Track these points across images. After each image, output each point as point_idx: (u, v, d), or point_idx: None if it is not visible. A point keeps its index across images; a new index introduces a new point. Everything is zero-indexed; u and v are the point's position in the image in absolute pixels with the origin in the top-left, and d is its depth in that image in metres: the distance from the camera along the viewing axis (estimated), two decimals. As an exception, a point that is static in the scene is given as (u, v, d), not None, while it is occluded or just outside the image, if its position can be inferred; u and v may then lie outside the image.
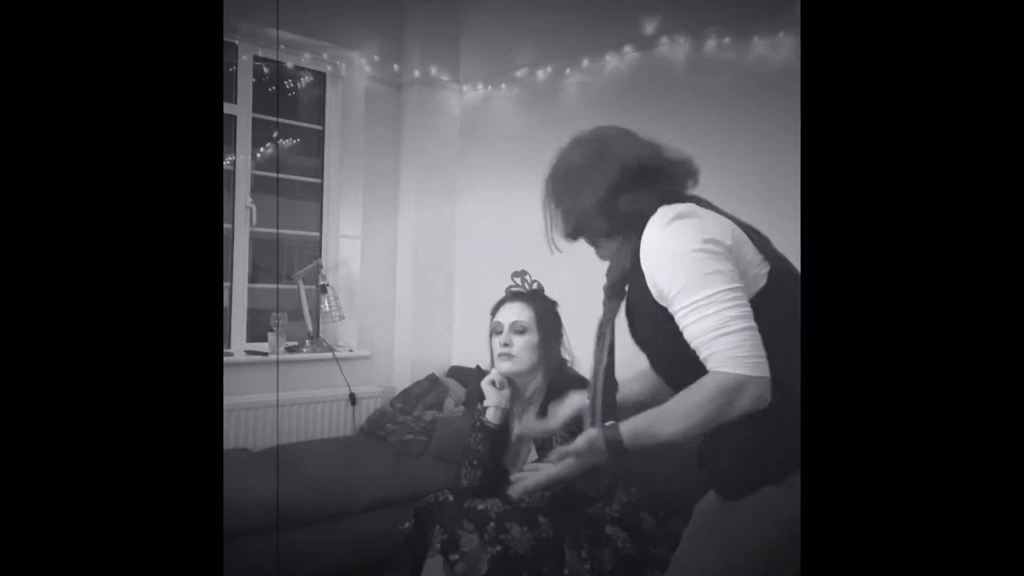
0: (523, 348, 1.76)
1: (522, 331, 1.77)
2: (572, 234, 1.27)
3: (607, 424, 1.12)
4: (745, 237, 1.14)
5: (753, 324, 1.04)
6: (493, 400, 1.79)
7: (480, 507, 1.62)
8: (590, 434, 1.13)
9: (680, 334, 1.08)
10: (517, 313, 1.78)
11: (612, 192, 1.20)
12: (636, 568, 1.60)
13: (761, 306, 1.07)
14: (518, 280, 1.86)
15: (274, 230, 3.42)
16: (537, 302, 1.82)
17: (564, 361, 1.82)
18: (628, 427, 1.10)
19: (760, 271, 1.12)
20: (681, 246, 1.08)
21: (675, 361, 1.16)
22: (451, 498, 1.68)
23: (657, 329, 1.16)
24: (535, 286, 1.86)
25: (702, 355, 1.05)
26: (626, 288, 1.23)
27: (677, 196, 1.19)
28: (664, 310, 1.11)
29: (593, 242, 1.29)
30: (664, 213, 1.12)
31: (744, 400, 1.01)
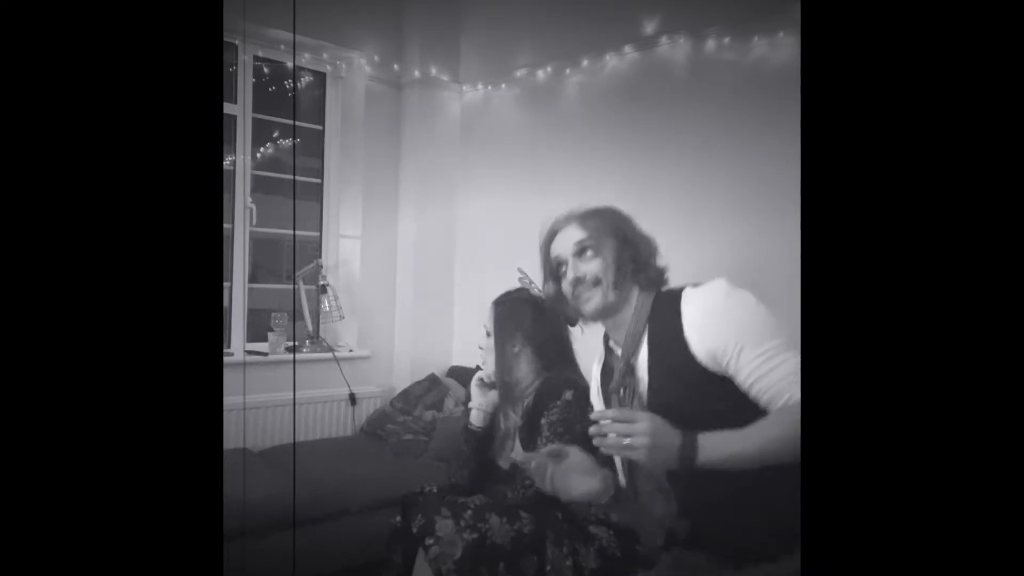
0: (487, 350, 1.78)
1: (487, 334, 1.79)
2: (622, 265, 1.31)
3: (684, 433, 1.10)
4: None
5: None
6: (476, 402, 1.80)
7: (460, 500, 1.63)
8: (655, 424, 1.09)
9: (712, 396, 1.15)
10: (487, 316, 1.79)
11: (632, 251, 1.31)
12: (621, 567, 1.59)
13: None
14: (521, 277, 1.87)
15: (274, 230, 3.43)
16: (502, 305, 1.80)
17: (569, 364, 1.77)
18: (710, 439, 1.08)
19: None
20: (743, 307, 1.17)
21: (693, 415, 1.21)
22: (435, 490, 1.69)
23: (690, 390, 1.20)
24: (528, 283, 1.86)
25: (777, 401, 1.12)
26: (639, 354, 1.28)
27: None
28: (704, 373, 1.17)
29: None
30: (718, 284, 1.22)
31: None
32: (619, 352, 1.32)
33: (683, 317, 1.20)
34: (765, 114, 2.25)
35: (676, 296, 1.24)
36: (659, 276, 1.33)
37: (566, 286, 1.33)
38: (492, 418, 1.82)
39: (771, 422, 1.09)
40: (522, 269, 1.87)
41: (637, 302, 1.29)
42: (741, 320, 1.16)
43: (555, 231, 1.37)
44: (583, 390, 1.66)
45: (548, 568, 1.55)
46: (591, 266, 1.30)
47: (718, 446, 1.08)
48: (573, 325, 1.44)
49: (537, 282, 1.81)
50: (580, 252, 1.32)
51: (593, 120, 2.81)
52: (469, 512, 1.57)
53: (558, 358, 1.75)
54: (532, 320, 1.75)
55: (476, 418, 1.81)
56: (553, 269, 1.37)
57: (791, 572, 1.06)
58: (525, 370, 1.77)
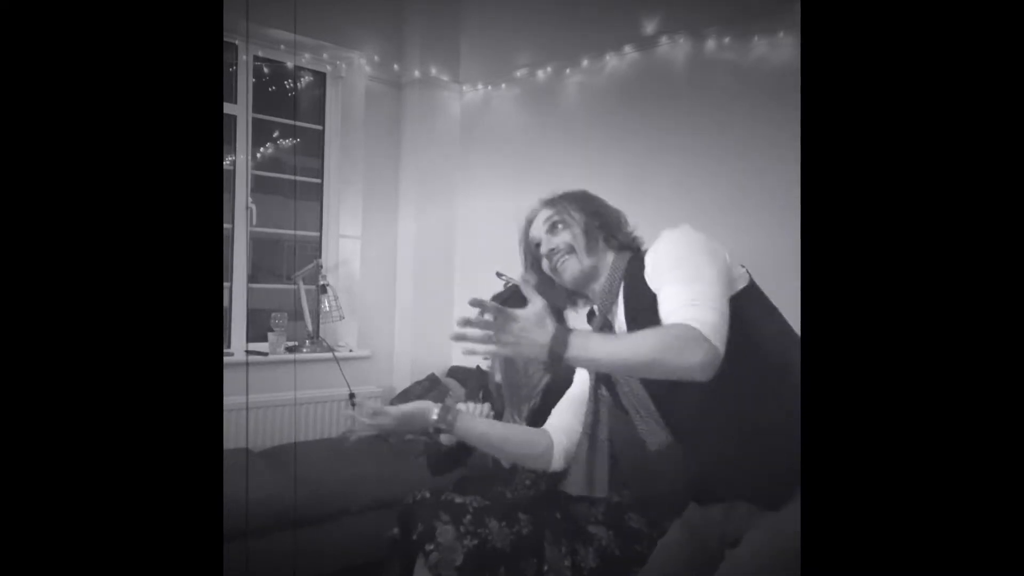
0: (492, 354, 1.78)
1: None
2: (596, 228, 1.35)
3: (560, 326, 1.10)
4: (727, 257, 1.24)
5: (725, 310, 1.10)
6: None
7: (458, 500, 1.62)
8: (538, 308, 1.09)
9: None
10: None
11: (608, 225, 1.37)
12: (620, 567, 1.59)
13: (740, 300, 1.17)
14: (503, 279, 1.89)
15: (274, 230, 3.43)
16: (509, 304, 1.81)
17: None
18: (580, 334, 1.08)
19: (742, 277, 1.23)
20: (690, 241, 1.20)
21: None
22: (428, 495, 1.69)
23: (641, 316, 1.22)
24: (508, 283, 1.88)
25: (671, 319, 1.10)
26: (616, 311, 1.31)
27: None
28: (651, 298, 1.19)
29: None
30: (675, 226, 1.24)
31: (693, 355, 1.02)
32: (598, 312, 1.36)
33: (645, 264, 1.24)
34: (765, 114, 2.25)
35: (645, 251, 1.28)
36: (630, 240, 1.37)
37: (545, 264, 1.37)
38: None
39: (646, 334, 1.07)
40: (500, 271, 1.90)
41: (612, 264, 1.33)
42: (670, 256, 1.19)
43: (530, 219, 1.43)
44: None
45: (546, 568, 1.55)
46: (562, 236, 1.35)
47: (586, 346, 1.07)
48: (564, 309, 1.46)
49: (517, 278, 1.85)
50: (551, 228, 1.37)
51: (593, 120, 2.81)
52: (468, 517, 1.57)
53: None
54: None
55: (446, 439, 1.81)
56: (532, 252, 1.41)
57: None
58: (534, 368, 1.76)
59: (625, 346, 1.08)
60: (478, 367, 3.03)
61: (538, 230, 1.39)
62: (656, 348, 1.04)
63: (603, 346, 1.09)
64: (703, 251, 1.17)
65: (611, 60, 2.74)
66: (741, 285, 1.21)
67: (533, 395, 1.75)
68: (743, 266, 1.25)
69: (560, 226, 1.36)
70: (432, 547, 1.53)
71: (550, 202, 1.41)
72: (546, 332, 1.07)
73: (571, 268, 1.33)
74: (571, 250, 1.34)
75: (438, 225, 3.40)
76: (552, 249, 1.35)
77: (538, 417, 1.69)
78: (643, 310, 1.21)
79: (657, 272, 1.20)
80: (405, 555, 1.66)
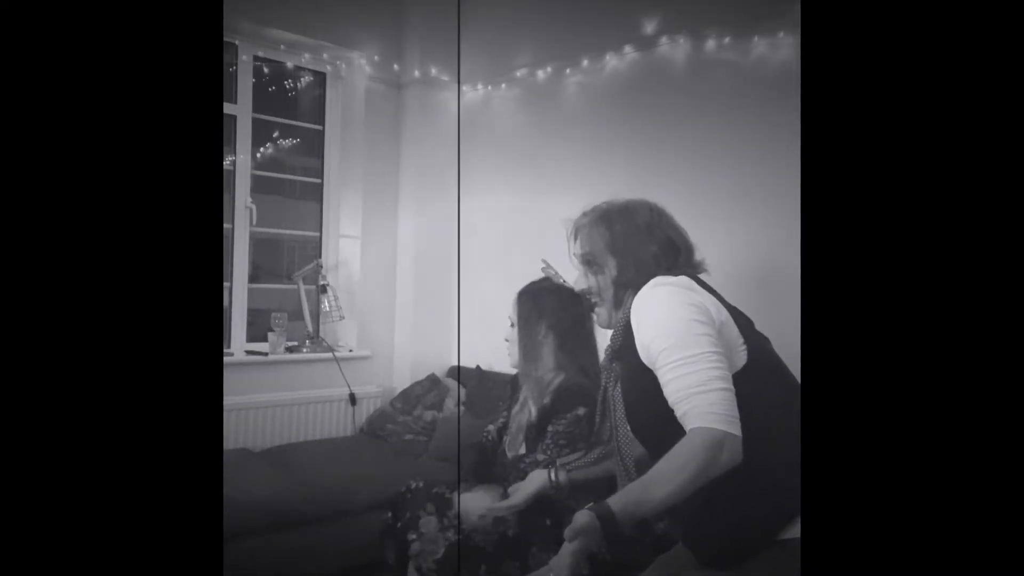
0: (512, 342, 1.76)
1: (511, 324, 1.76)
2: (625, 283, 1.31)
3: (594, 505, 1.08)
4: (730, 318, 1.20)
5: (731, 387, 1.09)
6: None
7: (447, 495, 1.62)
8: (583, 518, 1.06)
9: (659, 397, 1.13)
10: (511, 306, 1.78)
11: (663, 251, 1.30)
12: (612, 572, 1.58)
13: (740, 382, 1.12)
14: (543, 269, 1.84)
15: (274, 230, 3.42)
16: (526, 295, 1.78)
17: (580, 372, 1.72)
18: (618, 500, 1.07)
19: (741, 350, 1.18)
20: (671, 308, 1.16)
21: (654, 427, 1.21)
22: (421, 485, 1.69)
23: (643, 394, 1.21)
24: (552, 274, 1.82)
25: (679, 411, 1.10)
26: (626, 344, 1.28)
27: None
28: (649, 375, 1.17)
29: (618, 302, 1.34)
30: (658, 279, 1.21)
31: (724, 455, 1.05)
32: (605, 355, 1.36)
33: (633, 303, 1.22)
34: (765, 114, 2.24)
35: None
36: (686, 269, 1.31)
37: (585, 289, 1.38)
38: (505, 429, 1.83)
39: (677, 461, 1.06)
40: (546, 260, 1.85)
41: (624, 310, 1.28)
42: (666, 317, 1.15)
43: (577, 229, 1.39)
44: (596, 407, 1.65)
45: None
46: (594, 280, 1.35)
47: (630, 503, 1.07)
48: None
49: (560, 272, 1.81)
50: (588, 263, 1.36)
51: (593, 120, 2.81)
52: (453, 511, 1.57)
53: (579, 347, 1.73)
54: (555, 309, 1.74)
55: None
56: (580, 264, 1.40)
57: (774, 563, 1.08)
58: (547, 363, 1.74)
59: (666, 481, 1.06)
60: (478, 367, 3.03)
61: (579, 254, 1.37)
62: (693, 469, 1.04)
63: (645, 494, 1.07)
64: (691, 320, 1.13)
65: (611, 60, 2.74)
66: (740, 363, 1.17)
67: (546, 393, 1.73)
68: (744, 337, 1.19)
69: (590, 269, 1.35)
70: (415, 537, 1.53)
71: (593, 226, 1.35)
72: (595, 530, 1.05)
73: (600, 318, 1.36)
74: (599, 297, 1.34)
75: (438, 225, 3.40)
76: (583, 289, 1.37)
77: (542, 420, 1.68)
78: (640, 390, 1.21)
79: (649, 349, 1.16)
80: (399, 542, 1.66)
